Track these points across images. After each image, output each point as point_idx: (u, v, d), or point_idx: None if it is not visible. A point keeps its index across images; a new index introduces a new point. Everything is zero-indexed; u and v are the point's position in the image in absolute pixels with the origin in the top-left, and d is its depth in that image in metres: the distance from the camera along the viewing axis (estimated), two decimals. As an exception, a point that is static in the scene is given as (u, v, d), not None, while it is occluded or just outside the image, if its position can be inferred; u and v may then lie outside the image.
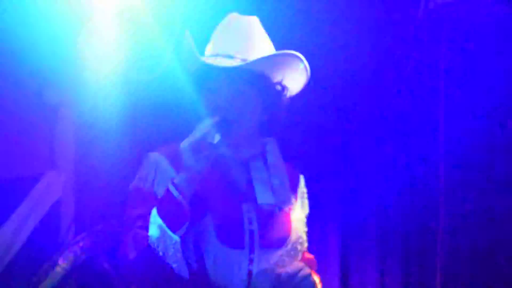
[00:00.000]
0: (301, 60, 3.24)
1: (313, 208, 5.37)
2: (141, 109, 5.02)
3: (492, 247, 5.57)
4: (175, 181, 2.96)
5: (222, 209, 3.16)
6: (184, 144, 2.96)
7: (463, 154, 5.55)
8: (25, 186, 4.82)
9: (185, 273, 2.97)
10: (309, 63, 3.20)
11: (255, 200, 3.21)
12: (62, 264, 4.70)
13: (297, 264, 3.15)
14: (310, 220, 5.22)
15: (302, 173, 3.40)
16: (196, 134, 2.96)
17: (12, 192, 4.79)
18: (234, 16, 3.32)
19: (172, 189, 2.95)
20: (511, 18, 4.94)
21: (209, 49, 3.27)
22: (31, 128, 4.89)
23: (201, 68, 3.18)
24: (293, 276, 3.11)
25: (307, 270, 3.13)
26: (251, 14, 3.35)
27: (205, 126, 2.97)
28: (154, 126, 4.72)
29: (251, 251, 3.13)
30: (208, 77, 3.19)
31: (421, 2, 5.39)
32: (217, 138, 2.94)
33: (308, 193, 5.13)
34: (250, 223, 3.17)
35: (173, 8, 4.85)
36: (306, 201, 3.47)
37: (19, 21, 4.81)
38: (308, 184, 5.17)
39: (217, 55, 3.20)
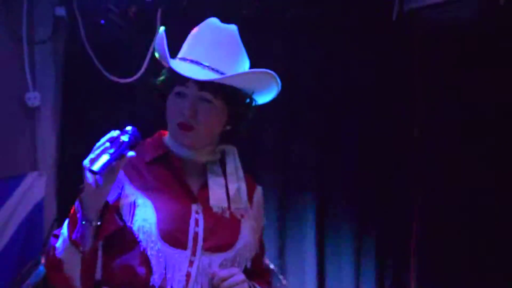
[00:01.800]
0: (275, 79, 3.18)
1: (291, 208, 5.49)
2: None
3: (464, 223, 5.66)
4: (80, 196, 2.85)
5: (170, 207, 3.12)
6: (85, 161, 2.78)
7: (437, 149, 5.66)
8: (8, 187, 4.86)
9: (79, 286, 3.00)
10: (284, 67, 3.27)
11: (206, 202, 3.18)
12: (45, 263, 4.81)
13: (231, 269, 3.12)
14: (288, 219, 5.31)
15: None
16: (96, 148, 2.80)
17: None
18: (212, 22, 3.24)
19: (76, 204, 2.87)
20: (476, 20, 5.06)
21: (183, 50, 3.19)
22: (13, 130, 4.95)
23: (170, 69, 3.11)
24: (222, 279, 3.10)
25: (240, 277, 3.11)
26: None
27: (104, 142, 2.81)
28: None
29: (193, 251, 3.11)
30: (178, 80, 3.10)
31: (394, 4, 5.52)
32: (102, 157, 2.72)
33: (288, 195, 5.24)
34: (197, 224, 3.15)
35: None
36: (262, 212, 3.41)
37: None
38: (289, 184, 5.27)
39: (191, 61, 3.12)
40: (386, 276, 5.74)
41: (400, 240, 5.75)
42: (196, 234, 3.12)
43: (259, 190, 3.40)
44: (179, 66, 3.08)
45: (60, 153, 5.08)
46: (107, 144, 2.77)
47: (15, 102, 4.95)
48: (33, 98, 4.94)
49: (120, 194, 3.06)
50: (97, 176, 2.76)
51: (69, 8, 4.88)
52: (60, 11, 4.93)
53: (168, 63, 3.10)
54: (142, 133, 2.96)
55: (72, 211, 2.86)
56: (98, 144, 2.78)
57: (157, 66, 3.55)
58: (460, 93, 5.69)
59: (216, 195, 3.27)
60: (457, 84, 5.69)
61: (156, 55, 3.24)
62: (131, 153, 2.83)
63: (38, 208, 4.98)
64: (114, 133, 2.86)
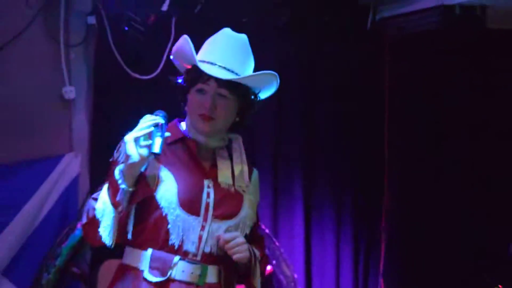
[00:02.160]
0: (277, 79, 3.27)
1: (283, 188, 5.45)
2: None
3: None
4: (118, 167, 2.96)
5: (187, 181, 3.17)
6: (127, 137, 2.93)
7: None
8: (49, 166, 4.85)
9: (109, 242, 3.03)
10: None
11: (215, 179, 3.23)
12: (80, 227, 4.80)
13: (233, 233, 3.18)
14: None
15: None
16: (140, 127, 2.94)
17: (39, 170, 4.83)
18: (227, 31, 3.30)
19: (116, 173, 2.96)
20: (436, 27, 5.00)
21: (202, 54, 3.19)
22: (53, 118, 4.94)
23: (193, 70, 3.17)
24: (226, 241, 3.13)
25: (240, 239, 3.16)
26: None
27: (146, 124, 2.95)
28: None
29: (205, 218, 3.16)
30: (199, 78, 3.16)
31: (369, 13, 5.47)
32: (156, 140, 2.89)
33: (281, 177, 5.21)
34: (208, 196, 3.19)
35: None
36: (258, 191, 3.44)
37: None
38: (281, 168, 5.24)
39: (209, 62, 3.15)
40: (360, 241, 5.76)
41: (372, 208, 5.79)
42: (207, 204, 3.16)
43: (255, 172, 3.42)
44: (203, 67, 3.11)
45: (92, 137, 5.05)
46: (152, 128, 2.87)
47: (54, 95, 4.93)
48: (69, 91, 4.91)
49: (147, 166, 3.06)
50: (143, 152, 2.86)
51: (98, 17, 4.86)
52: (91, 20, 4.91)
53: (196, 63, 3.10)
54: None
55: (111, 178, 2.93)
56: (143, 127, 2.88)
57: (171, 65, 3.57)
58: (423, 90, 5.77)
59: (224, 174, 3.28)
60: (421, 82, 5.74)
61: (171, 56, 3.30)
62: (167, 134, 2.96)
63: (74, 183, 4.95)
64: (155, 118, 2.95)
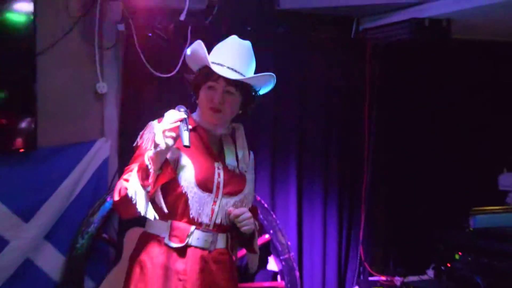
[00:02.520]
0: (274, 79, 3.31)
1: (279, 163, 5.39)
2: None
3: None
4: (147, 153, 3.02)
5: (201, 164, 3.22)
6: (156, 127, 3.03)
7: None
8: (83, 149, 4.83)
9: (151, 215, 3.10)
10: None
11: (223, 162, 3.29)
12: (110, 199, 4.72)
13: (241, 209, 3.23)
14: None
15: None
16: (167, 121, 3.00)
17: (76, 152, 4.80)
18: (235, 38, 3.33)
19: (146, 157, 3.01)
20: (409, 37, 4.97)
21: (212, 56, 3.23)
22: (87, 109, 4.92)
23: (205, 69, 3.20)
24: (236, 216, 3.20)
25: (248, 214, 3.23)
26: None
27: (173, 117, 3.02)
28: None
29: (216, 195, 3.21)
30: (210, 77, 3.20)
31: (353, 24, 5.43)
32: (185, 134, 2.97)
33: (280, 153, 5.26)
34: (219, 176, 3.23)
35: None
36: (253, 170, 3.47)
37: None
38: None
39: (218, 64, 3.19)
40: (344, 214, 5.76)
41: (353, 186, 5.82)
42: (218, 183, 3.25)
43: (252, 154, 3.47)
44: (214, 67, 3.17)
45: (120, 125, 5.03)
46: (179, 123, 2.97)
47: (89, 90, 4.91)
48: (101, 87, 4.90)
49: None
50: (171, 138, 2.96)
51: (127, 25, 4.85)
52: (121, 27, 4.89)
53: (209, 65, 3.16)
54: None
55: (141, 163, 3.02)
56: (171, 121, 2.98)
57: (187, 65, 3.52)
58: (398, 88, 5.83)
59: (230, 158, 3.36)
60: (396, 82, 5.78)
61: (189, 58, 3.35)
62: (190, 127, 3.07)
63: (104, 164, 4.93)
64: (181, 113, 3.05)
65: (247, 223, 3.23)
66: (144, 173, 3.02)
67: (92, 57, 4.83)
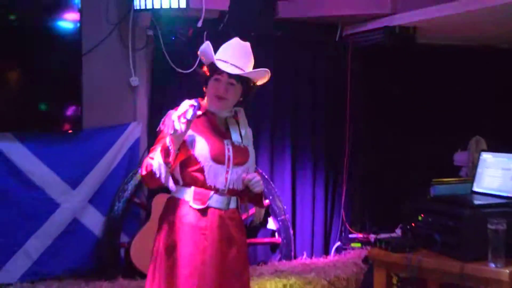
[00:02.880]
0: (268, 74, 3.31)
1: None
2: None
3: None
4: (168, 136, 3.06)
5: (214, 142, 3.24)
6: (174, 115, 3.05)
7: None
8: (120, 130, 4.84)
9: (172, 187, 3.20)
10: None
11: (230, 139, 3.31)
12: (141, 172, 4.83)
13: (253, 174, 3.29)
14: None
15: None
16: (181, 110, 3.04)
17: (113, 133, 4.81)
18: (237, 39, 3.33)
19: (167, 139, 3.04)
20: (382, 42, 5.00)
21: (219, 54, 3.26)
22: (123, 99, 4.93)
23: (213, 65, 3.24)
24: (250, 180, 3.26)
25: (258, 177, 3.29)
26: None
27: (185, 106, 3.05)
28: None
29: (228, 166, 3.24)
30: (216, 71, 3.22)
31: (338, 30, 5.45)
32: (189, 114, 2.99)
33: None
34: (228, 151, 3.26)
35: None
36: (252, 145, 3.46)
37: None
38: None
39: (223, 61, 3.22)
40: (330, 182, 5.76)
41: (337, 160, 5.77)
42: (228, 156, 3.27)
43: (250, 131, 3.47)
44: (219, 64, 3.20)
45: (149, 112, 5.03)
46: (191, 110, 2.98)
47: (124, 83, 4.91)
48: (134, 80, 4.90)
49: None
50: (184, 123, 2.98)
51: (155, 30, 4.86)
52: (150, 32, 4.90)
53: (214, 62, 3.20)
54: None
55: (164, 144, 3.04)
56: (182, 108, 3.03)
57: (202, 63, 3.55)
58: (373, 83, 5.78)
59: (235, 135, 3.36)
60: (371, 78, 5.75)
61: (200, 55, 3.33)
62: (199, 112, 3.11)
63: (136, 143, 4.93)
64: (190, 101, 3.08)
65: (258, 184, 3.28)
66: (165, 153, 3.05)
67: (126, 56, 4.83)
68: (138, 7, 4.51)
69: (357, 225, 5.70)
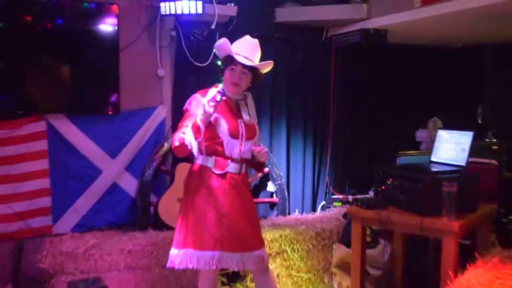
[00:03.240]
0: (272, 65, 3.41)
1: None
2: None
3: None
4: (198, 116, 3.15)
5: (231, 121, 3.32)
6: (204, 100, 3.19)
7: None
8: (150, 112, 4.83)
9: (196, 154, 3.28)
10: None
11: (242, 118, 3.40)
12: (166, 144, 4.78)
13: (261, 147, 3.41)
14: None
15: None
16: (210, 95, 3.18)
17: (144, 114, 4.80)
18: (248, 37, 3.42)
19: (198, 119, 3.13)
20: (360, 41, 4.99)
21: (233, 48, 3.30)
22: (152, 87, 4.89)
23: (229, 57, 3.30)
24: (258, 152, 3.36)
25: (265, 149, 3.39)
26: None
27: (214, 92, 3.17)
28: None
29: (241, 140, 3.34)
30: (232, 62, 3.29)
31: (324, 32, 5.45)
32: (218, 98, 3.10)
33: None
34: (242, 128, 3.35)
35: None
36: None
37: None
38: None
39: (237, 54, 3.28)
40: (316, 152, 5.74)
41: (323, 133, 5.73)
42: (242, 132, 3.36)
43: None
44: (236, 56, 3.27)
45: (172, 97, 4.99)
46: (218, 96, 3.12)
47: (153, 74, 4.89)
48: (160, 72, 4.89)
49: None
50: (213, 106, 3.11)
51: (177, 31, 4.86)
52: (173, 33, 4.89)
53: (232, 55, 3.27)
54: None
55: (194, 123, 3.15)
56: (211, 94, 3.18)
57: (216, 58, 3.58)
58: (351, 76, 5.74)
59: (245, 115, 3.44)
60: (351, 72, 5.71)
61: (217, 49, 3.40)
62: (224, 98, 3.21)
63: (162, 122, 4.91)
64: (216, 88, 3.27)
65: (264, 155, 3.39)
66: (196, 130, 3.14)
67: (154, 52, 4.83)
68: (164, 13, 4.51)
69: (338, 188, 5.72)
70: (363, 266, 4.04)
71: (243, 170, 3.44)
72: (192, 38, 4.79)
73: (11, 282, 4.23)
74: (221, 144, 3.32)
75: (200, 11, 4.44)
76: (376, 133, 5.80)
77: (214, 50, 3.50)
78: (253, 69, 3.35)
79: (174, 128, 4.89)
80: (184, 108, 3.40)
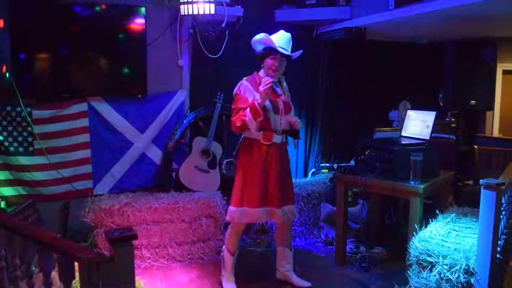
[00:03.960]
0: (301, 53, 3.44)
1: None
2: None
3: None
4: (257, 99, 3.19)
5: (273, 100, 3.35)
6: (260, 87, 3.18)
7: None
8: (171, 95, 4.78)
9: (257, 132, 3.29)
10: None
11: (279, 97, 3.42)
12: (185, 122, 4.74)
13: (296, 117, 3.46)
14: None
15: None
16: (265, 83, 3.18)
17: (167, 97, 4.76)
18: (283, 31, 3.41)
19: (256, 104, 3.15)
20: (345, 37, 4.90)
21: (274, 41, 3.32)
22: (173, 74, 4.83)
23: (270, 49, 3.30)
24: (295, 121, 3.42)
25: (299, 120, 3.45)
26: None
27: (268, 80, 3.17)
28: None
29: (281, 115, 3.36)
30: (273, 52, 3.31)
31: (314, 30, 5.39)
32: (274, 81, 3.22)
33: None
34: (280, 105, 3.37)
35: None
36: None
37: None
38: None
39: (278, 46, 3.31)
40: (308, 128, 5.65)
41: (316, 117, 5.59)
42: (281, 109, 3.39)
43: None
44: (278, 48, 3.30)
45: (190, 83, 4.93)
46: (270, 81, 3.17)
47: (174, 64, 4.83)
48: (180, 62, 4.83)
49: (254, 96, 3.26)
50: (269, 92, 3.20)
51: (194, 29, 4.81)
52: (191, 30, 4.83)
53: (276, 48, 3.29)
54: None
55: (253, 106, 3.16)
56: (266, 81, 3.17)
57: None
58: (337, 68, 5.60)
59: (282, 94, 3.45)
60: (337, 64, 5.61)
61: (259, 41, 3.36)
62: (277, 89, 3.35)
63: (182, 104, 4.86)
64: (269, 78, 3.23)
65: (300, 123, 3.44)
66: (254, 112, 3.18)
67: (175, 46, 4.78)
68: (183, 13, 4.48)
69: (326, 157, 5.70)
70: (346, 221, 4.12)
71: (284, 139, 3.48)
72: (206, 34, 4.76)
73: (60, 234, 4.30)
74: (268, 119, 3.35)
75: (213, 12, 4.41)
76: (357, 113, 5.77)
77: (254, 40, 3.46)
78: (287, 57, 3.40)
79: (192, 108, 4.90)
80: (234, 93, 3.38)
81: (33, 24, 4.02)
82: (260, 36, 3.36)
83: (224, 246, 3.64)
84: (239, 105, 3.29)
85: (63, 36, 4.18)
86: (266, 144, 3.35)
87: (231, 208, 3.44)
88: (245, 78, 3.42)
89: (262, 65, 3.39)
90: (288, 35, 3.43)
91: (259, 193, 3.37)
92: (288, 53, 3.35)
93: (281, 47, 3.32)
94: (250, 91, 3.31)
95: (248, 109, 3.22)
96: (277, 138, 3.39)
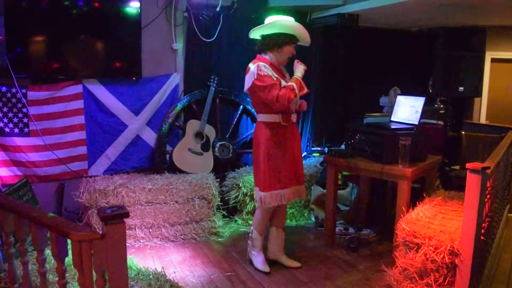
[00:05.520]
0: (310, 41, 3.51)
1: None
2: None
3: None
4: (298, 75, 3.36)
5: (283, 81, 3.36)
6: (301, 65, 3.41)
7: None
8: (166, 79, 4.74)
9: (276, 117, 3.35)
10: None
11: (286, 78, 3.45)
12: (179, 105, 4.72)
13: (304, 101, 3.49)
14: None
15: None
16: (300, 68, 3.35)
17: (162, 80, 4.71)
18: (294, 22, 3.43)
19: (295, 86, 3.29)
20: (336, 24, 4.89)
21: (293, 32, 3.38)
22: (168, 57, 4.78)
23: (291, 36, 3.36)
24: (303, 104, 3.49)
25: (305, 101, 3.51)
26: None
27: (302, 68, 3.32)
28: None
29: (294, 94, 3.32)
30: (293, 41, 3.39)
31: (308, 15, 5.32)
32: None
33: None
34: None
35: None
36: None
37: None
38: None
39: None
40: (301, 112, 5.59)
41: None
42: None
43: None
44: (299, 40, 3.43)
45: (184, 66, 4.89)
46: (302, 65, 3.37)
47: (169, 47, 4.79)
48: (175, 46, 4.79)
49: None
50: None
51: (188, 13, 4.70)
52: (186, 14, 4.78)
53: (298, 39, 3.44)
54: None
55: (299, 83, 3.32)
56: (298, 64, 3.41)
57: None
58: (331, 51, 5.56)
59: (288, 76, 3.50)
60: (330, 48, 5.55)
61: (267, 26, 3.36)
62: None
63: (176, 87, 4.83)
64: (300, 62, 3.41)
65: (305, 107, 3.51)
66: (300, 86, 3.34)
67: (170, 30, 4.74)
68: (178, -3, 4.47)
69: (317, 141, 5.72)
70: (335, 203, 4.11)
71: (297, 117, 3.53)
72: (200, 18, 4.72)
73: (55, 213, 4.27)
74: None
75: (207, -4, 4.40)
76: (348, 98, 5.78)
77: (266, 24, 3.42)
78: (300, 45, 3.53)
79: (186, 91, 4.85)
80: (256, 74, 3.27)
81: (27, 6, 3.96)
82: (291, 22, 3.39)
83: (252, 228, 3.64)
84: (270, 82, 3.25)
85: (58, 18, 4.12)
86: (285, 125, 3.38)
87: (260, 193, 3.40)
88: (253, 60, 3.39)
89: (276, 49, 3.37)
90: (300, 24, 3.45)
91: (288, 173, 3.41)
92: (307, 45, 3.51)
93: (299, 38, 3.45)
94: (269, 70, 3.31)
95: (293, 84, 3.29)
96: (293, 118, 3.46)
